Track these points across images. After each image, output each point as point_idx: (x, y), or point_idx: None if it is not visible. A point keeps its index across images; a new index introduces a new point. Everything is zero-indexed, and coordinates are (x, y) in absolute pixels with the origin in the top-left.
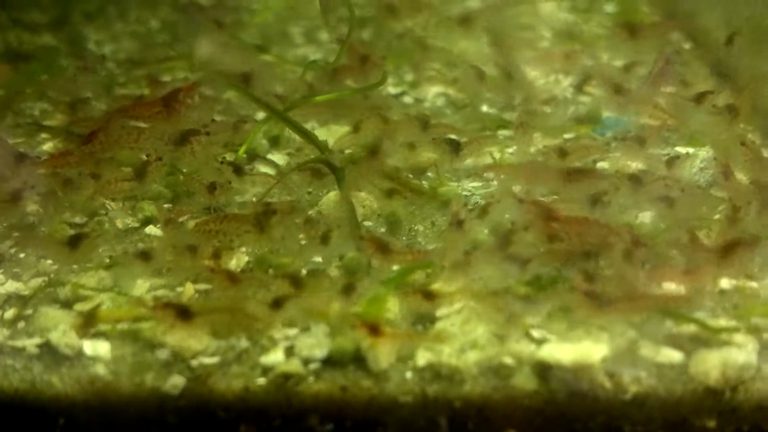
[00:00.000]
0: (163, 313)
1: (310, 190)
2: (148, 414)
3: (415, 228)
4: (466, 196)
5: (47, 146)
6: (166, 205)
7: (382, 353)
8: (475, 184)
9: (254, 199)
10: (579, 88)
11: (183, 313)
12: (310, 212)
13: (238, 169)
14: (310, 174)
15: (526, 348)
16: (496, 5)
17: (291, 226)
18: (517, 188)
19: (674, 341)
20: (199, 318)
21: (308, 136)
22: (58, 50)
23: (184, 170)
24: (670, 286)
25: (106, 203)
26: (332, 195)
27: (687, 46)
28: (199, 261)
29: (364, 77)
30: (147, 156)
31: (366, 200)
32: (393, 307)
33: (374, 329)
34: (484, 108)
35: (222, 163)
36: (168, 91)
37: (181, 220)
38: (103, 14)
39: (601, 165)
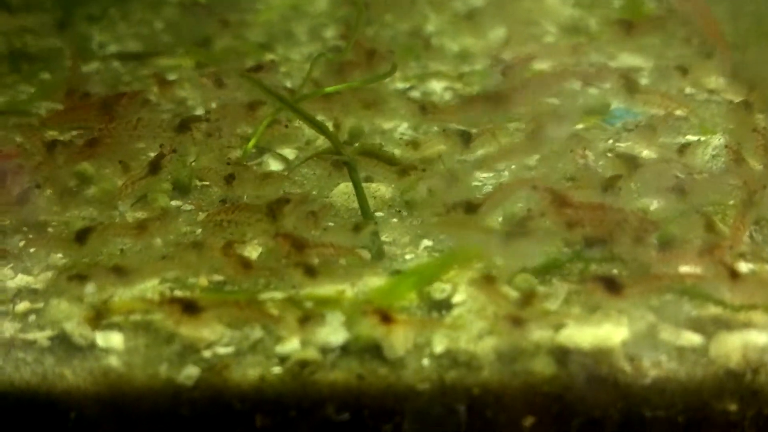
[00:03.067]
0: (170, 308)
1: (320, 181)
2: (162, 405)
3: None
4: (477, 186)
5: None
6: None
7: (398, 341)
8: (487, 174)
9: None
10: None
11: (190, 307)
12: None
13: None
14: (325, 164)
15: (544, 333)
16: (501, 0)
17: (303, 215)
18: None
19: (694, 324)
20: (207, 312)
21: (319, 127)
22: (62, 52)
23: (192, 161)
24: (687, 269)
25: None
26: (343, 186)
27: (694, 40)
28: (211, 252)
29: (372, 72)
30: (161, 147)
31: (377, 191)
32: (409, 294)
33: (386, 317)
34: None
35: (228, 164)
36: (111, 95)
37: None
38: (107, 16)
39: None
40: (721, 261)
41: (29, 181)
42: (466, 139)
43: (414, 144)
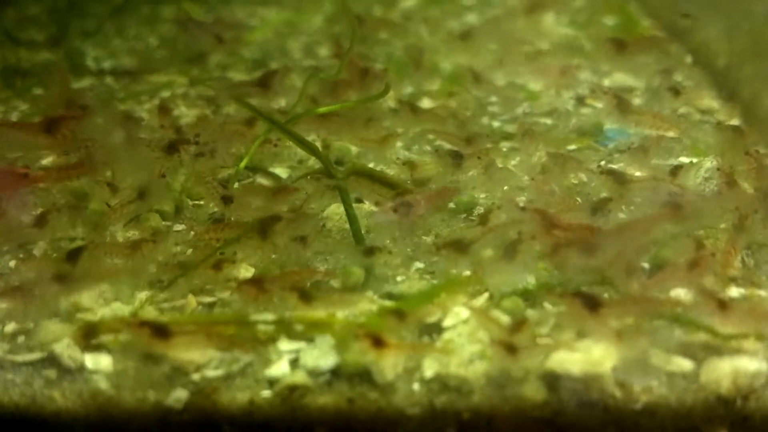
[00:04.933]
0: (140, 331)
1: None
2: (151, 429)
3: (423, 239)
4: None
5: (47, 161)
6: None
7: (387, 365)
8: (480, 195)
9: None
10: (581, 100)
11: (160, 331)
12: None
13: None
14: (318, 184)
15: (534, 358)
16: (495, 19)
17: (295, 233)
18: (521, 198)
19: (685, 350)
20: (178, 337)
21: (310, 148)
22: (56, 66)
23: (180, 182)
24: (678, 293)
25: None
26: (335, 206)
27: (688, 59)
28: (202, 272)
29: (365, 90)
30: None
31: (368, 212)
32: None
33: (377, 341)
34: (487, 120)
35: (219, 184)
36: (53, 117)
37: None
38: (101, 31)
39: None
40: (710, 292)
41: (43, 202)
42: (457, 160)
43: (410, 164)
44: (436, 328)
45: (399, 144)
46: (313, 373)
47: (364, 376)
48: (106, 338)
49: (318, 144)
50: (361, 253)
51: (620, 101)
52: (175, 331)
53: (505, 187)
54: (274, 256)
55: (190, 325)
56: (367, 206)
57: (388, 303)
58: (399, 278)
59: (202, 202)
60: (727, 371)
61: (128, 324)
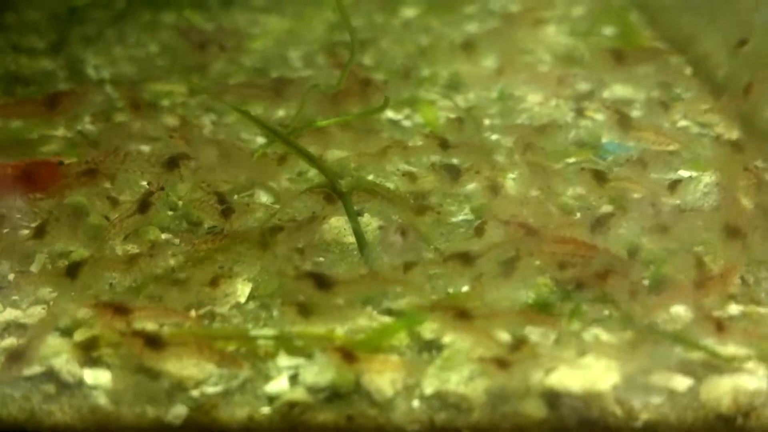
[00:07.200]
0: (132, 341)
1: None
2: None
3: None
4: (468, 221)
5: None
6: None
7: (383, 382)
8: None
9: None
10: (580, 112)
11: (152, 342)
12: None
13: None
14: (317, 198)
15: (535, 375)
16: (496, 30)
17: (294, 245)
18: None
19: (685, 368)
20: (170, 348)
21: (314, 161)
22: (56, 74)
23: (180, 195)
24: (678, 310)
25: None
26: (333, 220)
27: (687, 71)
28: (197, 287)
29: (365, 101)
30: (149, 184)
31: (368, 225)
32: (398, 334)
33: (349, 355)
34: (485, 133)
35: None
36: (54, 92)
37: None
38: (102, 38)
39: None
40: (708, 310)
41: (41, 213)
42: (454, 174)
43: (410, 177)
44: (437, 345)
45: (397, 156)
46: (313, 389)
47: (363, 392)
48: (105, 353)
49: (316, 156)
50: (362, 266)
51: (620, 115)
52: (168, 342)
53: (499, 201)
54: (272, 269)
55: (188, 337)
56: (366, 219)
57: (387, 319)
58: (399, 289)
59: (201, 215)
60: (728, 389)
61: (122, 334)
